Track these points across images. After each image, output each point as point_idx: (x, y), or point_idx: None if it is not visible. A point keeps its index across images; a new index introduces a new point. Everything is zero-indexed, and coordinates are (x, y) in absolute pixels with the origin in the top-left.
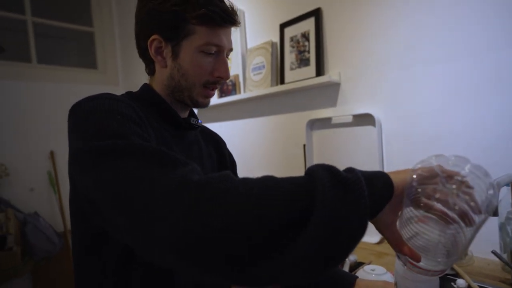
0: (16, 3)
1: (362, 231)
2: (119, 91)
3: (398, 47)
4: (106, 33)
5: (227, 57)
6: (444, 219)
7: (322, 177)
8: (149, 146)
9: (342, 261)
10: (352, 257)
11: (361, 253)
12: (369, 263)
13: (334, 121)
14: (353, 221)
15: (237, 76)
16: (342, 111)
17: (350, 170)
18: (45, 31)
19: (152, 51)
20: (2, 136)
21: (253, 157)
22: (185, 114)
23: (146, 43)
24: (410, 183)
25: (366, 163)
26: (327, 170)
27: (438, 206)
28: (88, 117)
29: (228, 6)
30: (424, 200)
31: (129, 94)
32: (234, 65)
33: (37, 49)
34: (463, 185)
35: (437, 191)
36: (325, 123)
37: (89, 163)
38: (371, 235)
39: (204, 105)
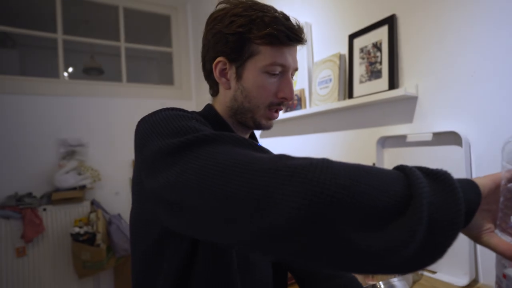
0: (113, 32)
1: (459, 221)
2: (192, 105)
3: (493, 52)
4: (182, 53)
5: (292, 77)
6: None
7: (413, 169)
8: (237, 135)
9: (439, 255)
10: None
11: None
12: None
13: (409, 139)
14: (450, 208)
15: (302, 91)
16: (419, 128)
17: (438, 169)
18: (133, 53)
19: (216, 73)
20: (97, 145)
21: None
22: (246, 137)
23: (211, 66)
24: (500, 183)
25: None
26: (415, 167)
27: None
28: (162, 123)
29: (295, 24)
30: None
31: (194, 113)
32: (300, 79)
33: (127, 69)
34: None
35: None
36: (399, 141)
37: (172, 159)
38: (456, 275)
39: (266, 127)
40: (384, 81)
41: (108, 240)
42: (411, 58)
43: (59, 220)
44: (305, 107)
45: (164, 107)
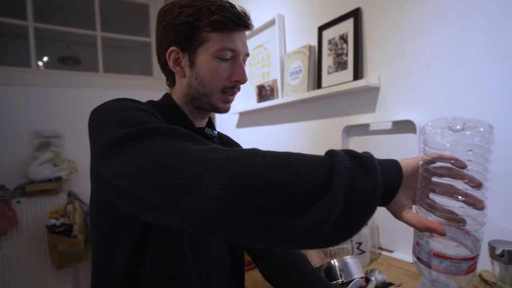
0: (88, 20)
1: (374, 201)
2: None
3: (446, 46)
4: None
5: (244, 63)
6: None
7: (340, 154)
8: (178, 128)
9: (355, 232)
10: (380, 276)
11: (393, 272)
12: (398, 286)
13: (372, 127)
14: (367, 190)
15: (275, 81)
16: (381, 117)
17: (365, 152)
18: (112, 43)
19: (170, 63)
20: (74, 137)
21: None
22: (202, 123)
23: (165, 57)
24: (418, 169)
25: None
26: (345, 151)
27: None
28: (111, 114)
29: (240, 10)
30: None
31: (150, 102)
32: (273, 70)
33: (103, 60)
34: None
35: (438, 185)
36: (363, 129)
37: (118, 149)
38: (409, 253)
39: (224, 110)
40: (349, 72)
41: (85, 231)
42: (374, 50)
43: (34, 212)
44: (277, 97)
45: (145, 98)
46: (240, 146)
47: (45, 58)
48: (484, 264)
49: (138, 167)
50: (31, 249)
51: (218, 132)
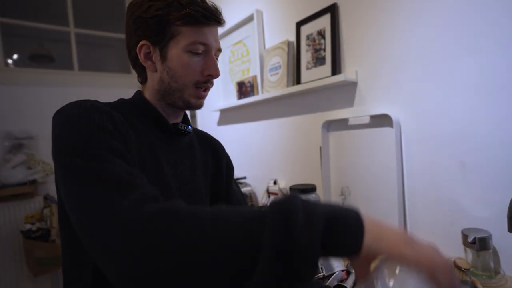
0: (61, 16)
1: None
2: None
3: (418, 42)
4: None
5: (216, 59)
6: None
7: (273, 217)
8: (109, 172)
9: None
10: None
11: (372, 264)
12: None
13: (351, 122)
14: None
15: (255, 77)
16: (359, 111)
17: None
18: (89, 40)
19: (141, 57)
20: (49, 138)
21: (271, 159)
22: (177, 119)
23: (135, 51)
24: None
25: (384, 166)
26: (285, 211)
27: None
28: (66, 129)
29: (211, 5)
30: None
31: (121, 101)
32: (253, 66)
33: (78, 57)
34: None
35: None
36: (342, 124)
37: (72, 181)
38: None
39: (197, 106)
40: (327, 67)
41: None
42: (351, 45)
43: (7, 217)
44: (257, 93)
45: (120, 95)
46: (219, 143)
47: (15, 56)
48: (458, 251)
49: (74, 200)
50: (4, 256)
51: (196, 129)
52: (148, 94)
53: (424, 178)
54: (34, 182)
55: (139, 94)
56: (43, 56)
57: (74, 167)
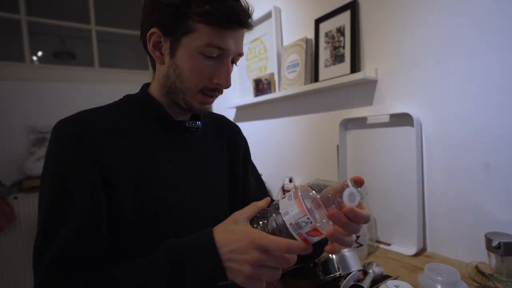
0: (84, 14)
1: None
2: None
3: (442, 38)
4: None
5: (235, 63)
6: None
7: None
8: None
9: None
10: (377, 269)
11: (390, 265)
12: (395, 278)
13: (369, 121)
14: None
15: (272, 75)
16: (378, 110)
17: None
18: (109, 38)
19: (150, 46)
20: None
21: (286, 157)
22: (186, 117)
23: (145, 36)
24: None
25: (403, 166)
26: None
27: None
28: (46, 163)
29: (243, 5)
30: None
31: (128, 96)
32: (270, 63)
33: (99, 54)
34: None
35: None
36: (360, 123)
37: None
38: (407, 246)
39: (200, 111)
40: (346, 65)
41: None
42: (371, 43)
43: (32, 208)
44: (274, 91)
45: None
46: (237, 128)
47: (40, 53)
48: (481, 256)
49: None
50: (29, 244)
51: (213, 114)
52: (154, 88)
53: (445, 179)
54: None
55: (144, 89)
56: (65, 53)
57: (42, 197)
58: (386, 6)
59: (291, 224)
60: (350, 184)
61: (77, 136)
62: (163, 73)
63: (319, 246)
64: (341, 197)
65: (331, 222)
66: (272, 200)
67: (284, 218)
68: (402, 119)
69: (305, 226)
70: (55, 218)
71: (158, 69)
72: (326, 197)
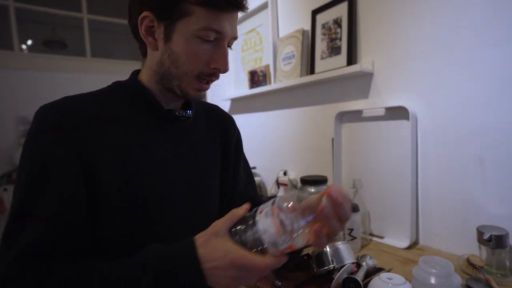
0: (75, 2)
1: None
2: None
3: (438, 31)
4: None
5: (229, 47)
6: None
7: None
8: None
9: None
10: (371, 262)
11: (384, 258)
12: (389, 271)
13: (365, 114)
14: None
15: (267, 66)
16: (374, 103)
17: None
18: (102, 27)
19: (142, 31)
20: None
21: (281, 149)
22: (177, 103)
23: (136, 20)
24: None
25: (398, 160)
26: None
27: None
28: (25, 149)
29: None
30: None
31: (117, 83)
32: (266, 55)
33: (91, 44)
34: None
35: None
36: (356, 116)
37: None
38: (400, 239)
39: (195, 98)
40: (343, 57)
41: None
42: (368, 35)
43: None
44: (270, 83)
45: None
46: (231, 119)
47: (29, 42)
48: (472, 248)
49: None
50: None
51: (206, 103)
52: (144, 75)
53: (440, 173)
54: None
55: (134, 76)
56: (56, 42)
57: (18, 182)
58: None
59: (268, 242)
60: (324, 201)
61: (58, 122)
62: (156, 59)
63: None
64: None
65: (307, 229)
66: (252, 203)
67: (262, 237)
68: (397, 113)
69: (282, 244)
70: (30, 203)
71: (151, 55)
72: (305, 208)
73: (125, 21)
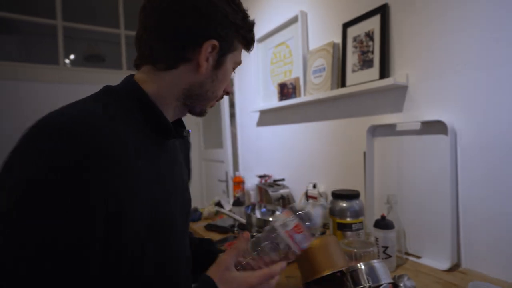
0: (113, 19)
1: None
2: None
3: (479, 43)
4: None
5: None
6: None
7: None
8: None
9: None
10: (409, 283)
11: (422, 279)
12: None
13: (399, 127)
14: None
15: (297, 79)
16: (409, 117)
17: None
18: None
19: (203, 54)
20: None
21: (310, 162)
22: (173, 119)
23: (196, 41)
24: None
25: (436, 176)
26: None
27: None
28: (16, 187)
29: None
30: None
31: (106, 91)
32: (295, 68)
33: (127, 57)
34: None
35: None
36: (389, 129)
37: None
38: (439, 260)
39: (203, 115)
40: (375, 70)
41: None
42: (402, 47)
43: None
44: (299, 95)
45: None
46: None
47: (72, 56)
48: None
49: None
50: None
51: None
52: (158, 87)
53: (483, 191)
54: None
55: (135, 85)
56: (95, 56)
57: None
58: (418, 10)
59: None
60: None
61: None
62: (195, 80)
63: None
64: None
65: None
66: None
67: (274, 225)
68: (435, 127)
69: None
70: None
71: (186, 75)
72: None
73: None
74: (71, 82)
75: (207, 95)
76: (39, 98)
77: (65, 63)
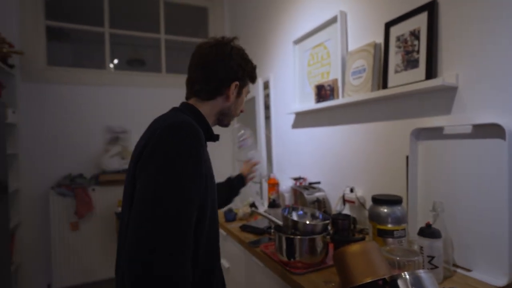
0: (154, 24)
1: None
2: None
3: None
4: None
5: None
6: None
7: None
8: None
9: None
10: None
11: None
12: None
13: (447, 131)
14: None
15: (335, 81)
16: (458, 119)
17: None
18: (173, 45)
19: (232, 91)
20: (139, 132)
21: (348, 165)
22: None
23: (229, 82)
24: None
25: (490, 183)
26: None
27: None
28: (178, 163)
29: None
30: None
31: (178, 109)
32: (333, 69)
33: (166, 61)
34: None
35: None
36: (435, 133)
37: (155, 175)
38: (493, 275)
39: (228, 126)
40: (421, 70)
41: None
42: (451, 47)
43: (105, 200)
44: (337, 97)
45: None
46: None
47: (116, 61)
48: None
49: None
50: (103, 232)
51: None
52: (205, 109)
53: None
54: (125, 171)
55: (197, 112)
56: (136, 60)
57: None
58: (470, 6)
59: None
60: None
61: (201, 147)
62: (225, 105)
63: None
64: None
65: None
66: None
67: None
68: (489, 131)
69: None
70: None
71: (221, 102)
72: None
73: (196, 39)
74: (115, 85)
75: (232, 114)
76: (87, 100)
77: (110, 68)
